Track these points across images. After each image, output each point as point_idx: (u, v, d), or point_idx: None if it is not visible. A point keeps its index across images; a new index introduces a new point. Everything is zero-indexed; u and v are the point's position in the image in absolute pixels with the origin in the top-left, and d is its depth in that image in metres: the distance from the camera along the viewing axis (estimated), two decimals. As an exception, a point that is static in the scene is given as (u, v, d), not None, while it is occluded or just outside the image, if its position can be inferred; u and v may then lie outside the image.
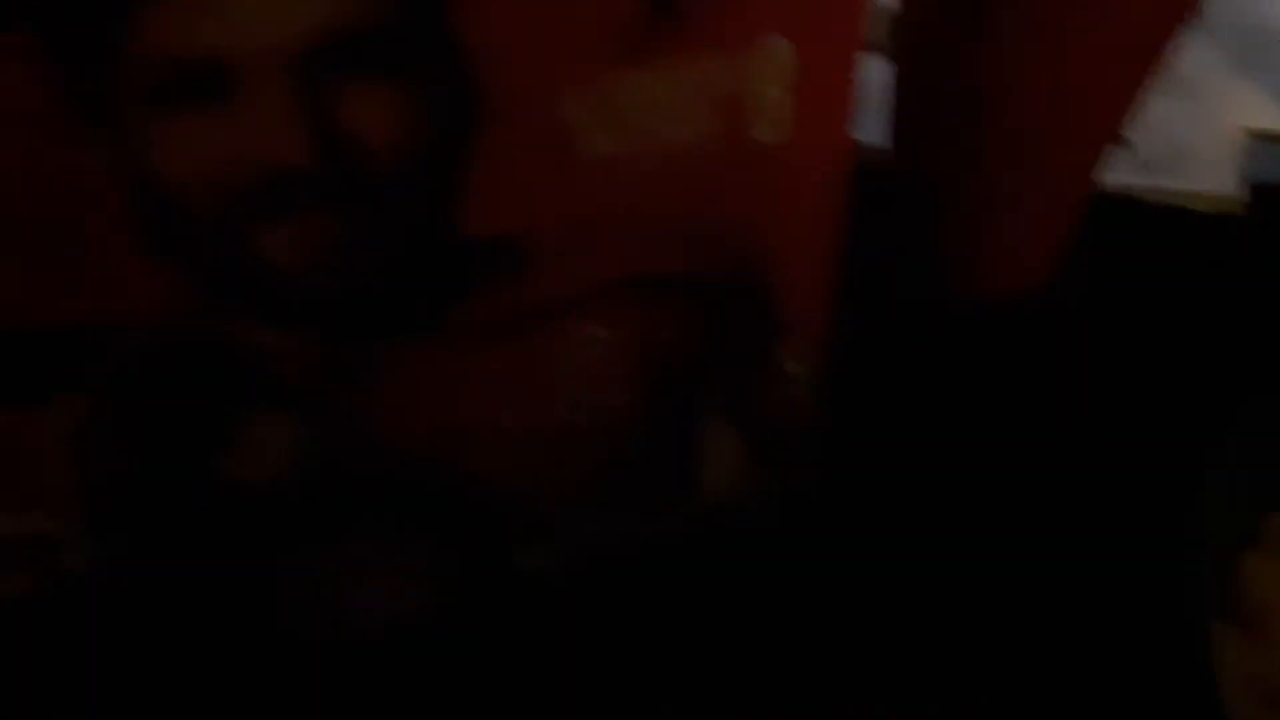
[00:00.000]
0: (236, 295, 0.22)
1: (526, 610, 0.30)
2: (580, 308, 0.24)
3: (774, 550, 0.31)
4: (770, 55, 0.22)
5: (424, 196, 0.22)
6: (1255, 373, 0.31)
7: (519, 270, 0.23)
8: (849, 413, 0.33)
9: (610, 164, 0.22)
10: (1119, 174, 0.44)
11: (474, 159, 0.21)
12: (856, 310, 0.39)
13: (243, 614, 0.27)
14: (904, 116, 0.37)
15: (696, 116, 0.22)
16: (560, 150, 0.21)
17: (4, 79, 0.18)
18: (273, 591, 0.27)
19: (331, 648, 0.28)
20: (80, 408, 0.22)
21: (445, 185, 0.21)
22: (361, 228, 0.21)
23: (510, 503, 0.28)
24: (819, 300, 0.28)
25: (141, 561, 0.25)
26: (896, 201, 0.39)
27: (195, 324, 0.22)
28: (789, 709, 0.28)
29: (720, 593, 0.30)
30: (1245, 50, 0.51)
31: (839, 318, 0.38)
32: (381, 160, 0.20)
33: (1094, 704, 0.27)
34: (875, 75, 0.32)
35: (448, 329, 0.24)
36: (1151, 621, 0.24)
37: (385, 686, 0.29)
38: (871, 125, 0.38)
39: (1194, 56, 0.50)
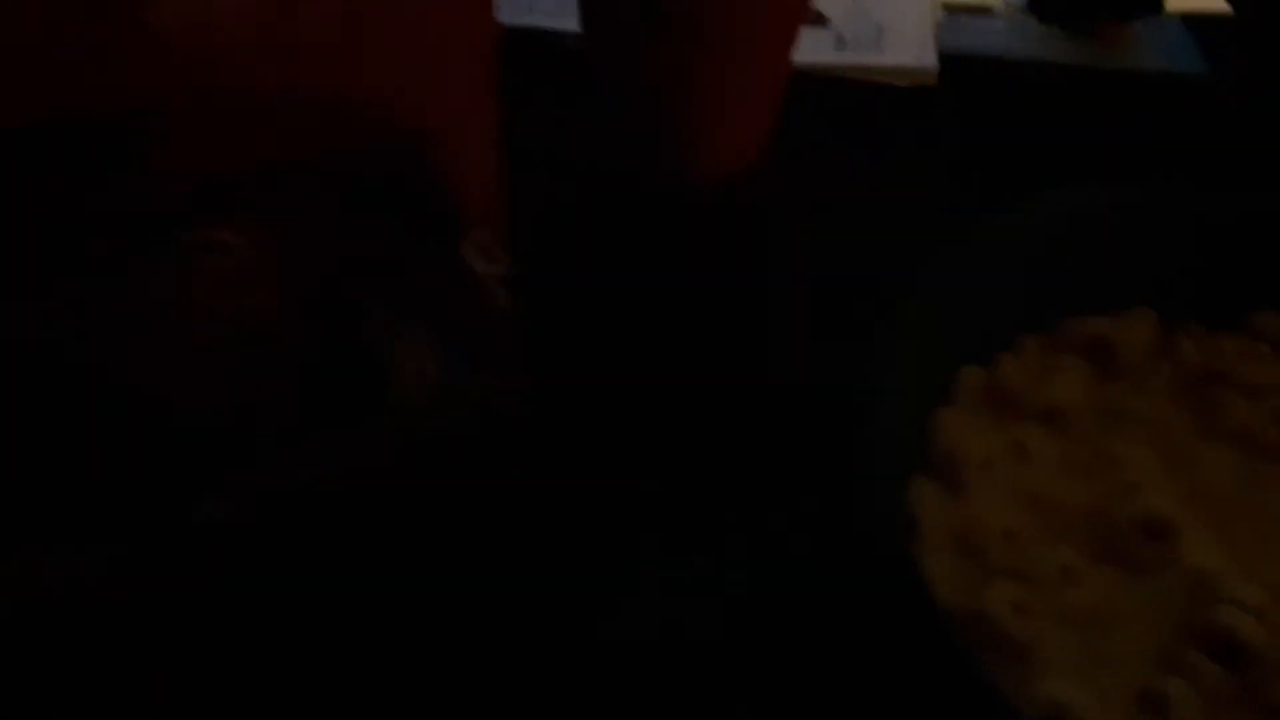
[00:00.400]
0: None
1: (209, 562, 0.27)
2: (202, 212, 0.21)
3: (483, 465, 0.29)
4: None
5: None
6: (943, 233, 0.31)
7: (120, 166, 0.19)
8: (553, 313, 0.31)
9: (188, 34, 0.19)
10: (819, 53, 0.44)
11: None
12: (561, 204, 0.37)
13: None
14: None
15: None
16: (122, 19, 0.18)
17: None
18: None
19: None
20: None
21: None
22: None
23: (190, 444, 0.25)
24: (493, 190, 0.25)
25: None
26: (596, 89, 0.37)
27: None
28: (505, 628, 0.26)
29: (428, 515, 0.28)
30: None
31: (547, 213, 0.36)
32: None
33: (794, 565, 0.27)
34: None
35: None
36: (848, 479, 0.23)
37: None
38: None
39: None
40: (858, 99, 0.43)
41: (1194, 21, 0.48)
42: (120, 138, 0.19)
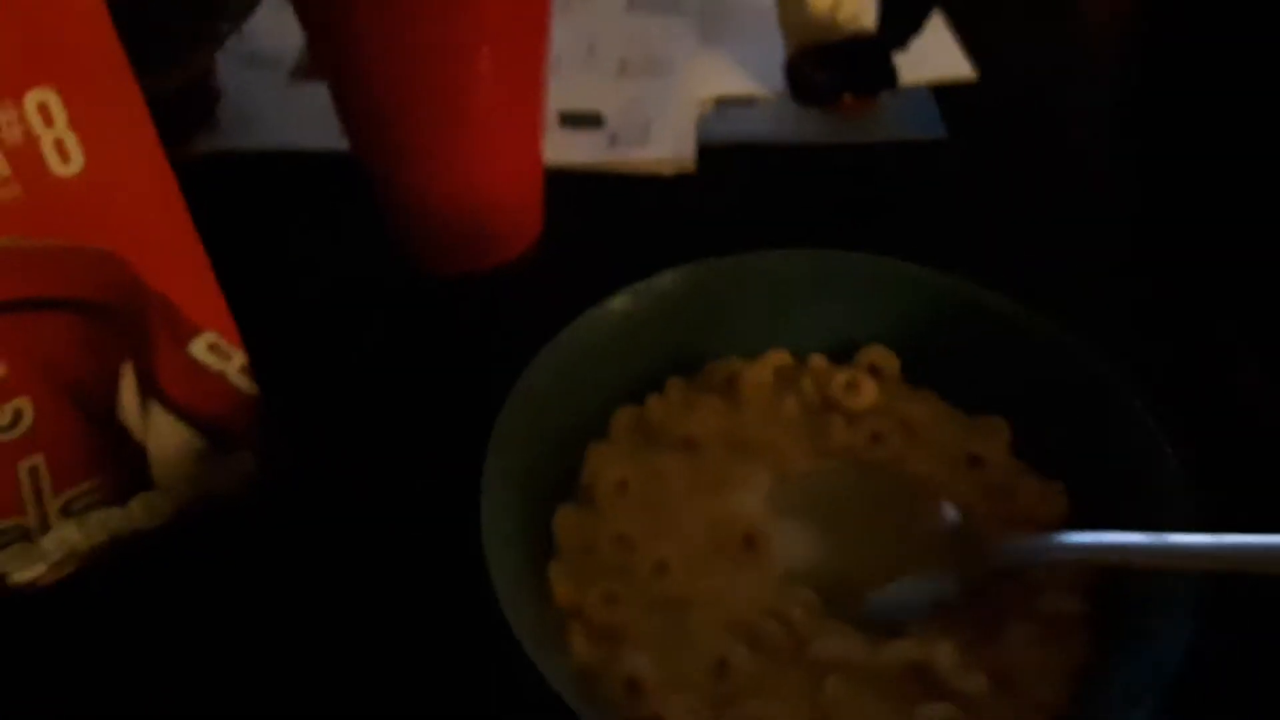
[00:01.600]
0: None
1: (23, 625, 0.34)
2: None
3: (241, 532, 0.35)
4: (38, 105, 0.26)
5: None
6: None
7: None
8: (301, 396, 0.38)
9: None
10: (594, 152, 0.51)
11: None
12: (324, 300, 0.44)
13: None
14: (346, 122, 0.42)
15: (-7, 165, 0.26)
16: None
17: None
18: None
19: None
20: None
21: None
22: None
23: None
24: (212, 301, 0.32)
25: None
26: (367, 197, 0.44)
27: None
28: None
29: (203, 578, 0.34)
30: (709, 26, 0.59)
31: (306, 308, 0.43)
32: None
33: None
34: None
35: None
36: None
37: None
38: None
39: (664, 39, 0.58)
40: (626, 190, 0.50)
41: (940, 91, 0.55)
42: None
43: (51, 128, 0.26)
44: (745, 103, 0.54)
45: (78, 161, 0.27)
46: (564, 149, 0.50)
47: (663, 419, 0.34)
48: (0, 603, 0.33)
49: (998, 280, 0.35)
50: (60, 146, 0.27)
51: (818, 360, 0.35)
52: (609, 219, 0.48)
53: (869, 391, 0.34)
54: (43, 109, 0.26)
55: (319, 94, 0.54)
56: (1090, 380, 0.32)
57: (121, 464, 0.33)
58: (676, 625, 0.29)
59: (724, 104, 0.54)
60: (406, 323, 0.43)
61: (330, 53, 0.40)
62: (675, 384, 0.35)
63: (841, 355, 0.36)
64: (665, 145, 0.51)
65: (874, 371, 0.35)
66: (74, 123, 0.27)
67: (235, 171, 0.50)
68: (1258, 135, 0.50)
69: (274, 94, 0.54)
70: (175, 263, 0.31)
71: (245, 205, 0.35)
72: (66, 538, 0.33)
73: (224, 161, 0.51)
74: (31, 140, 0.26)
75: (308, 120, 0.52)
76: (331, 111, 0.53)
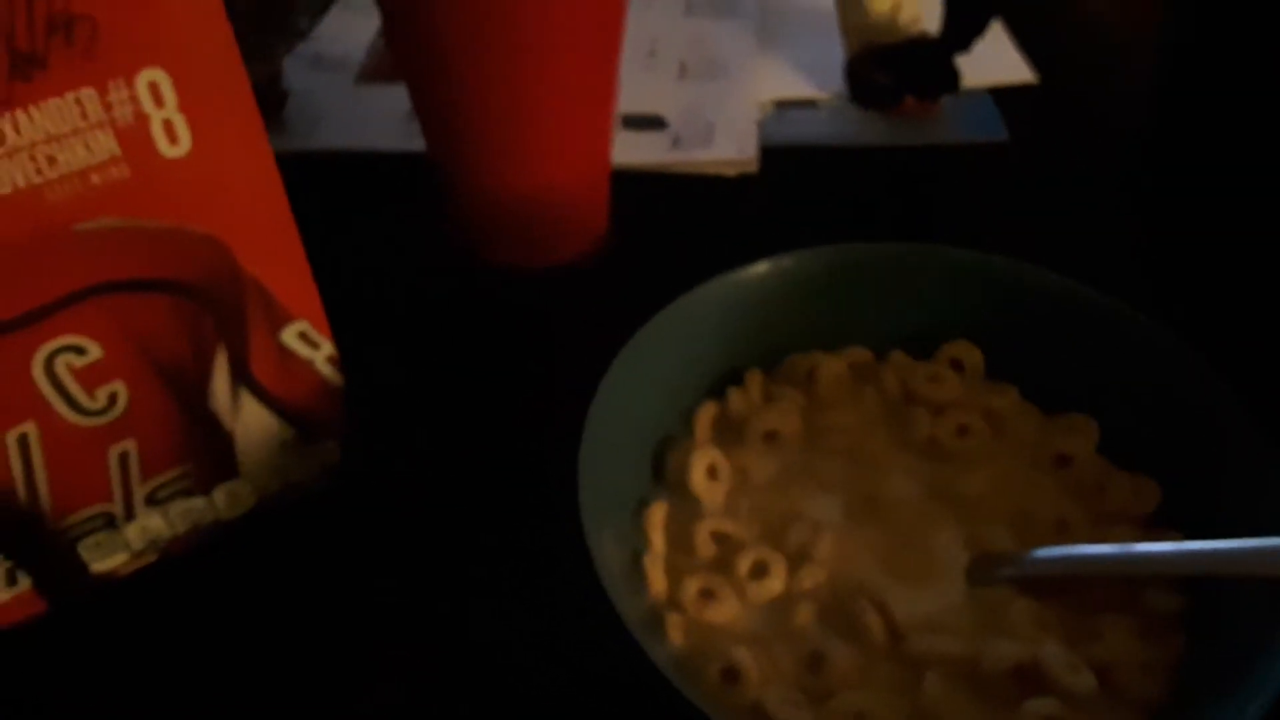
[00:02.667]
0: None
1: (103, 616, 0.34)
2: (49, 319, 0.28)
3: (323, 522, 0.35)
4: (150, 84, 0.26)
5: None
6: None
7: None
8: (377, 387, 0.38)
9: (32, 193, 0.26)
10: (657, 153, 0.51)
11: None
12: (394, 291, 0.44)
13: None
14: (424, 121, 0.43)
15: (100, 143, 0.26)
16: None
17: None
18: None
19: None
20: None
21: None
22: None
23: (66, 510, 0.31)
24: (305, 290, 0.32)
25: None
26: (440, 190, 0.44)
27: None
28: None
29: (284, 569, 0.34)
30: (767, 28, 0.59)
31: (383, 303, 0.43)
32: None
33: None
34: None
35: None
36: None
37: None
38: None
39: (722, 42, 0.58)
40: (689, 190, 0.50)
41: (999, 94, 0.55)
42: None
43: (161, 108, 0.27)
44: (806, 105, 0.55)
45: (185, 143, 0.27)
46: (628, 150, 0.50)
47: (745, 413, 0.34)
48: (79, 593, 0.33)
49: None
50: (169, 127, 0.27)
51: (898, 355, 0.35)
52: (673, 218, 0.48)
53: (953, 384, 0.34)
54: (154, 89, 0.26)
55: (384, 96, 0.55)
56: (1185, 374, 0.32)
57: (208, 452, 0.33)
58: (771, 619, 0.29)
59: (784, 106, 0.55)
60: (476, 318, 0.43)
61: (410, 50, 0.40)
62: (755, 376, 0.34)
63: (919, 352, 0.35)
64: (728, 146, 0.51)
65: (956, 366, 0.35)
66: (183, 104, 0.27)
67: (302, 171, 0.50)
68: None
69: (340, 96, 0.54)
70: (272, 249, 0.31)
71: (312, 204, 0.36)
72: (150, 527, 0.33)
73: (291, 162, 0.51)
74: (142, 120, 0.27)
75: (373, 122, 0.52)
76: (396, 113, 0.53)
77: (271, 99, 0.52)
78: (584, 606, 0.28)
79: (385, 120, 0.52)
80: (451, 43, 0.38)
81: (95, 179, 0.27)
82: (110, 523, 0.33)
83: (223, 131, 0.28)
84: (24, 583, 0.32)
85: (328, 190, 0.50)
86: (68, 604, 0.33)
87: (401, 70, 0.43)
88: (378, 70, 0.56)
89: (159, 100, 0.26)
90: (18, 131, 0.25)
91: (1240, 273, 0.45)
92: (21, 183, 0.26)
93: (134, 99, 0.26)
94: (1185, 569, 0.29)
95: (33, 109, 0.25)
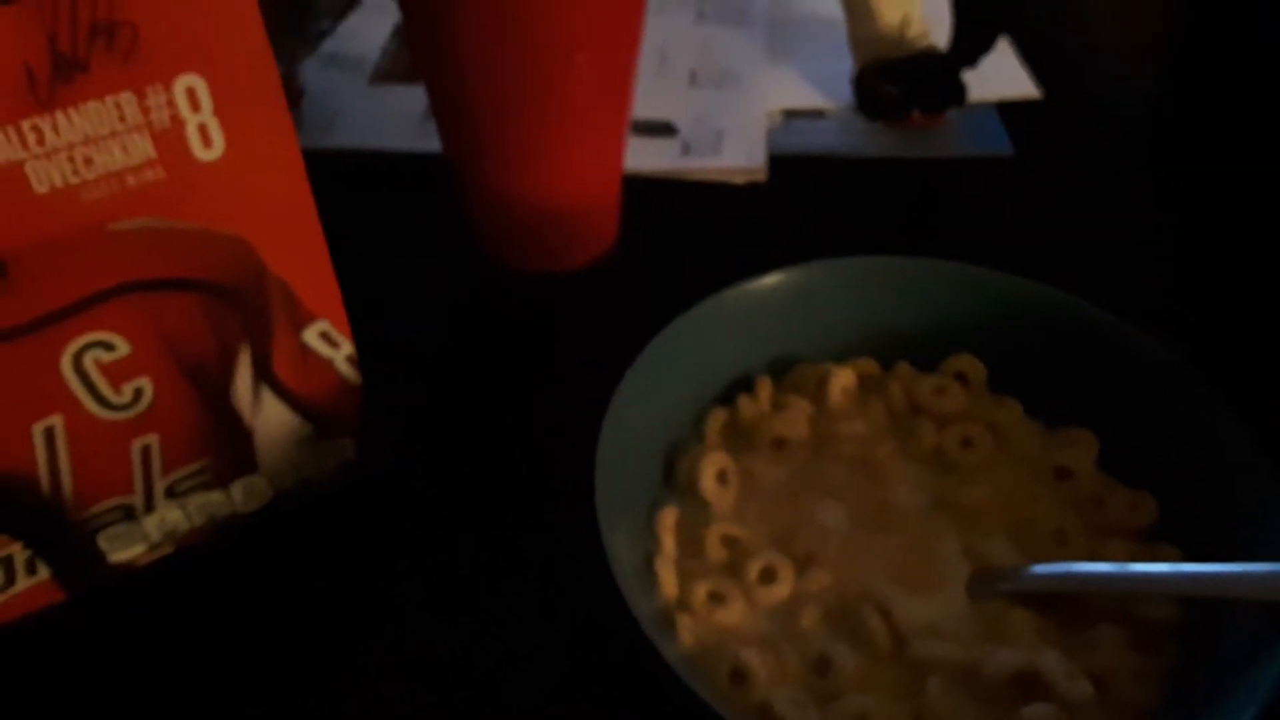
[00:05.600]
0: None
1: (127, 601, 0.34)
2: (80, 316, 0.29)
3: (338, 518, 0.36)
4: (187, 89, 0.27)
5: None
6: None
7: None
8: (401, 385, 0.39)
9: (69, 192, 0.27)
10: (667, 160, 0.52)
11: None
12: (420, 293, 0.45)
13: None
14: (440, 122, 0.43)
15: (136, 146, 0.27)
16: (15, 186, 0.26)
17: None
18: None
19: None
20: None
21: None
22: None
23: (87, 501, 0.32)
24: (327, 290, 0.33)
25: None
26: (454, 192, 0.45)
27: None
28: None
29: (298, 563, 0.35)
30: (777, 39, 0.60)
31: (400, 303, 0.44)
32: None
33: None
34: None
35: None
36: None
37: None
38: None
39: (732, 50, 0.59)
40: (698, 197, 0.51)
41: (1004, 108, 0.56)
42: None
43: (197, 113, 0.27)
44: (814, 115, 0.55)
45: (219, 147, 0.28)
46: (639, 157, 0.51)
47: (754, 420, 0.34)
48: (97, 583, 0.34)
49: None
50: (204, 131, 0.28)
51: (904, 367, 0.36)
52: (682, 225, 0.49)
53: (958, 396, 0.35)
54: (190, 94, 0.27)
55: (400, 96, 0.55)
56: (1183, 390, 0.33)
57: (228, 447, 0.34)
58: (779, 622, 0.30)
59: (792, 116, 0.55)
60: (488, 319, 0.44)
61: (430, 51, 0.41)
62: (765, 384, 0.35)
63: (924, 364, 0.36)
64: (737, 155, 0.52)
65: (960, 379, 0.35)
66: (218, 109, 0.27)
67: (316, 169, 0.51)
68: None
69: (355, 95, 0.55)
70: (298, 251, 0.32)
71: (326, 202, 0.36)
72: (169, 519, 0.34)
73: (305, 159, 0.52)
74: (178, 124, 0.27)
75: (387, 122, 0.53)
76: (411, 114, 0.54)
77: (286, 97, 0.52)
78: (598, 606, 0.29)
79: (400, 120, 0.53)
80: (471, 45, 0.39)
81: (131, 180, 0.27)
82: (130, 514, 0.33)
83: (255, 136, 0.29)
84: (43, 572, 0.33)
85: (342, 189, 0.51)
86: (85, 593, 0.34)
87: (420, 71, 0.43)
88: (393, 70, 0.57)
89: (195, 105, 0.27)
90: (57, 132, 0.26)
91: (1242, 288, 0.46)
92: (59, 182, 0.26)
93: (171, 103, 0.27)
94: (1177, 589, 0.30)
95: (72, 111, 0.26)
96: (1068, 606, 0.31)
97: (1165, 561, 0.31)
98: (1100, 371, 0.34)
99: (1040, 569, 0.31)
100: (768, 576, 0.30)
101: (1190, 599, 0.30)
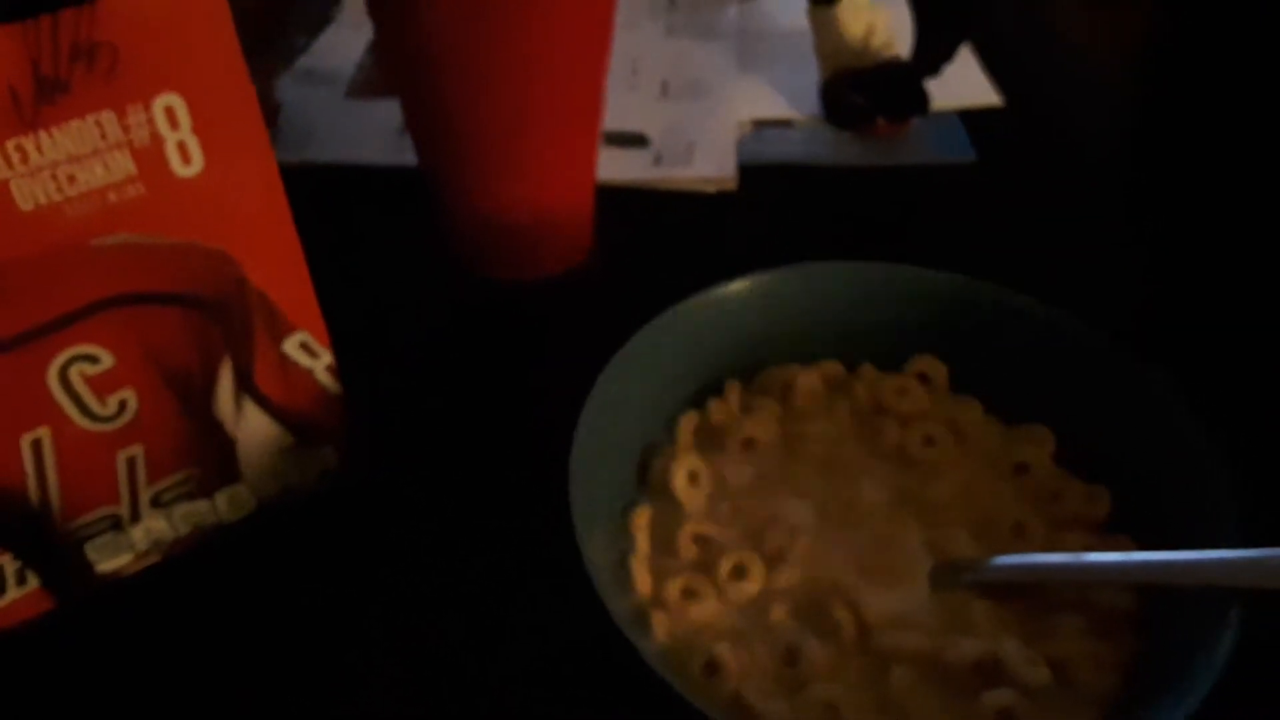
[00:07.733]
0: None
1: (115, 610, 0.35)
2: (65, 330, 0.29)
3: (321, 525, 0.37)
4: (166, 108, 0.28)
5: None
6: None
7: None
8: (381, 394, 0.40)
9: (53, 209, 0.28)
10: (639, 170, 0.53)
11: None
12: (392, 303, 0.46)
13: None
14: (415, 135, 0.44)
15: (117, 163, 0.28)
16: (0, 205, 0.27)
17: None
18: None
19: None
20: None
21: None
22: None
23: (75, 512, 0.33)
24: (306, 302, 0.34)
25: None
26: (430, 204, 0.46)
27: None
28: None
29: (283, 570, 0.36)
30: (746, 51, 0.62)
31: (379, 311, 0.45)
32: None
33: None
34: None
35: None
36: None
37: None
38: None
39: (702, 63, 0.60)
40: (669, 206, 0.52)
41: (967, 116, 0.57)
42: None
43: (176, 130, 0.28)
44: (782, 125, 0.57)
45: (198, 163, 0.29)
46: (611, 167, 0.52)
47: (724, 422, 0.35)
48: (85, 592, 0.34)
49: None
50: (183, 149, 0.28)
51: (868, 369, 0.37)
52: (654, 233, 0.50)
53: (920, 397, 0.36)
54: (170, 113, 0.28)
55: (375, 110, 0.56)
56: (1136, 386, 0.34)
57: (212, 457, 0.34)
58: (750, 617, 0.31)
59: (762, 126, 0.57)
60: (466, 327, 0.45)
61: (402, 65, 0.42)
62: (734, 388, 0.36)
63: (888, 365, 0.37)
64: (708, 165, 0.53)
65: (922, 379, 0.37)
66: (197, 127, 0.28)
67: (293, 183, 0.52)
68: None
69: (331, 110, 0.56)
70: (278, 263, 0.32)
71: (304, 216, 0.37)
72: (155, 528, 0.35)
73: (282, 174, 0.53)
74: (157, 142, 0.28)
75: (364, 136, 0.54)
76: (387, 128, 0.55)
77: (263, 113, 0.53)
78: (574, 605, 0.30)
79: (376, 134, 0.54)
80: (443, 60, 0.40)
81: (112, 197, 0.28)
82: (116, 524, 0.34)
83: (233, 152, 0.29)
84: (33, 581, 0.33)
85: (319, 203, 0.52)
86: (74, 602, 0.34)
87: (394, 85, 0.44)
88: (368, 85, 0.58)
89: (174, 123, 0.28)
90: (41, 151, 0.27)
91: (1200, 287, 0.47)
92: (43, 200, 0.27)
93: (151, 122, 0.28)
94: (1132, 578, 0.31)
95: (55, 130, 0.27)
96: (1028, 597, 0.32)
97: (1120, 551, 0.32)
98: (1055, 369, 0.36)
99: (1001, 561, 0.32)
100: (739, 573, 0.31)
101: (1145, 587, 0.32)
